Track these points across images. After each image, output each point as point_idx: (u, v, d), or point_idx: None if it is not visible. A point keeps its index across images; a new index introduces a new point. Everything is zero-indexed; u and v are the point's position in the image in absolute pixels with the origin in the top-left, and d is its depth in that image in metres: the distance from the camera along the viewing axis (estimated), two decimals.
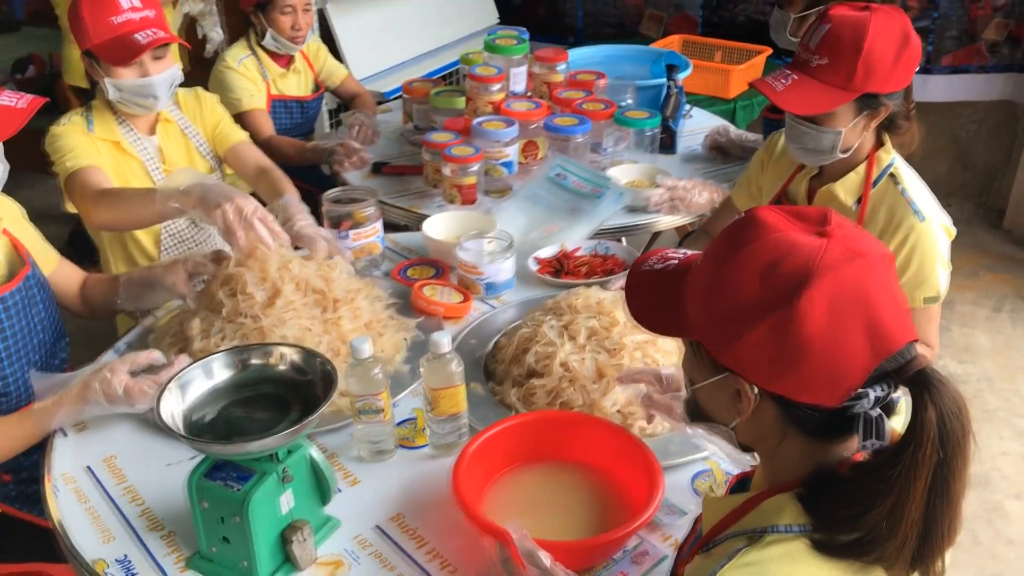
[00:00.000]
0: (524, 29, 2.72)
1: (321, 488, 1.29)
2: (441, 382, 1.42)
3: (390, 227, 2.20)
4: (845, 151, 1.66)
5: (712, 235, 1.89)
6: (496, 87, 2.54)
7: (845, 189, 1.70)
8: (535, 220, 2.20)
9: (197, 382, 1.25)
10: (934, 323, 1.69)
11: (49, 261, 1.82)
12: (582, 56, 3.17)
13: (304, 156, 2.68)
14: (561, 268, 2.01)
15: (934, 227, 1.63)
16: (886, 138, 1.70)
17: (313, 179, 2.94)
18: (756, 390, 0.86)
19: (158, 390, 1.26)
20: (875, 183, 1.68)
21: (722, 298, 0.84)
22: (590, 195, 2.24)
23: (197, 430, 1.21)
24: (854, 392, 0.82)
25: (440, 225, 2.12)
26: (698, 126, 2.83)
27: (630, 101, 2.71)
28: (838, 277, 0.80)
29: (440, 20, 4.61)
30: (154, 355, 1.55)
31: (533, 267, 2.00)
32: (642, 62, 3.23)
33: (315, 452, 1.27)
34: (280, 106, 2.91)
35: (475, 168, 2.28)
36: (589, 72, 2.77)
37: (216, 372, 1.27)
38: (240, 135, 2.33)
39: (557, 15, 5.72)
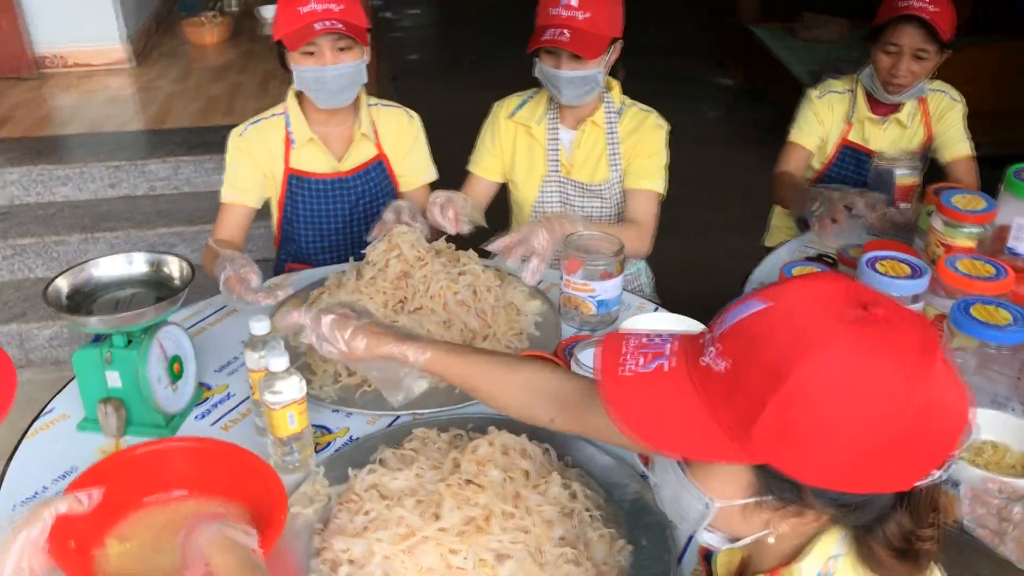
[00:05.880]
0: None
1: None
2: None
3: None
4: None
5: None
6: (970, 229, 1.71)
7: None
8: None
9: (115, 266, 1.54)
10: None
11: (415, 179, 2.19)
12: None
13: (797, 197, 2.23)
14: None
15: None
16: None
17: None
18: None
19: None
20: None
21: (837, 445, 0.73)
22: None
23: (75, 301, 1.50)
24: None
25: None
26: None
27: None
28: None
29: None
30: (253, 272, 1.74)
31: None
32: None
33: (151, 362, 1.44)
34: (850, 158, 2.44)
35: None
36: None
37: (135, 264, 1.55)
38: (647, 183, 2.13)
39: None
